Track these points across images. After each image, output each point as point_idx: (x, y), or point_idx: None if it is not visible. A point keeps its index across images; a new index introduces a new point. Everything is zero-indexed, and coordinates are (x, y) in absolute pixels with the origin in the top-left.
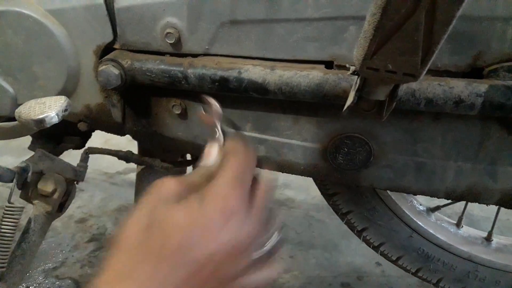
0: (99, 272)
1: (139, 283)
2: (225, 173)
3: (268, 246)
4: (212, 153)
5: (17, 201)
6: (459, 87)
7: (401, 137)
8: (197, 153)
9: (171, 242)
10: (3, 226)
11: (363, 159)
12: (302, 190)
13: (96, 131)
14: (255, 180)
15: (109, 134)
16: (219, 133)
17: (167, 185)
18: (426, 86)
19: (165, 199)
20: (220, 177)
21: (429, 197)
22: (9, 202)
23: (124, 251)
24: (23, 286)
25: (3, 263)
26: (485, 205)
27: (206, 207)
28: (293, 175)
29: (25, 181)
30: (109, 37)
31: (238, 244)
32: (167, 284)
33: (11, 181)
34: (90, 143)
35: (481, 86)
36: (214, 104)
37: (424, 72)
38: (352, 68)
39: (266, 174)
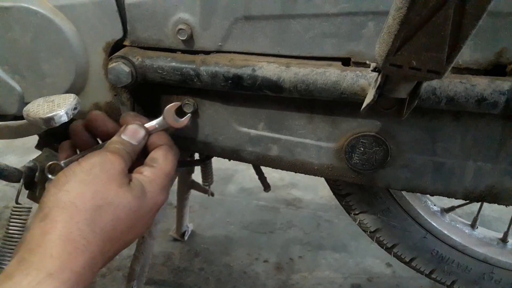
0: (44, 230)
1: (91, 257)
2: (160, 174)
3: None
4: (138, 134)
5: (23, 201)
6: (482, 85)
7: (419, 136)
8: (207, 152)
9: (120, 225)
10: (10, 227)
11: (380, 159)
12: (310, 189)
13: None
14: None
15: None
16: (153, 124)
17: (115, 163)
18: (447, 83)
19: (114, 178)
20: (157, 177)
21: (441, 197)
22: (16, 203)
23: (75, 222)
24: None
25: None
26: (496, 205)
27: (147, 199)
28: (301, 174)
29: (32, 181)
30: (119, 34)
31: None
32: (108, 257)
33: (18, 181)
34: None
35: (505, 84)
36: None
37: (449, 69)
38: (373, 64)
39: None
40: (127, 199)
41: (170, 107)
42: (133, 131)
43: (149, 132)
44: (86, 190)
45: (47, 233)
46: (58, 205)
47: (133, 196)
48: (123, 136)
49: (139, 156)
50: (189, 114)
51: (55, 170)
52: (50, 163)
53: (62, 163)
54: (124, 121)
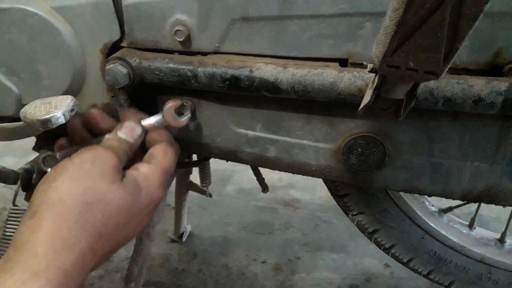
0: (31, 227)
1: (81, 255)
2: (156, 171)
3: None
4: (134, 131)
5: (20, 202)
6: (479, 85)
7: (416, 137)
8: (205, 153)
9: (112, 222)
10: (8, 230)
11: (378, 160)
12: (308, 190)
13: None
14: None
15: None
16: (151, 122)
17: (107, 158)
18: (445, 84)
19: (106, 174)
20: (153, 173)
21: (439, 198)
22: (13, 205)
23: (63, 220)
24: None
25: None
26: (494, 206)
27: (142, 196)
28: (299, 175)
29: (30, 182)
30: (116, 35)
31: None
32: (101, 256)
33: (16, 183)
34: None
35: (502, 85)
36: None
37: (446, 70)
38: (370, 65)
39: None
40: (119, 195)
41: (170, 106)
42: (129, 128)
43: (146, 130)
44: (76, 186)
45: (34, 231)
46: (46, 202)
47: (125, 193)
48: (119, 133)
49: (138, 154)
50: (189, 114)
51: (49, 162)
52: (45, 154)
53: (57, 154)
54: (124, 118)
